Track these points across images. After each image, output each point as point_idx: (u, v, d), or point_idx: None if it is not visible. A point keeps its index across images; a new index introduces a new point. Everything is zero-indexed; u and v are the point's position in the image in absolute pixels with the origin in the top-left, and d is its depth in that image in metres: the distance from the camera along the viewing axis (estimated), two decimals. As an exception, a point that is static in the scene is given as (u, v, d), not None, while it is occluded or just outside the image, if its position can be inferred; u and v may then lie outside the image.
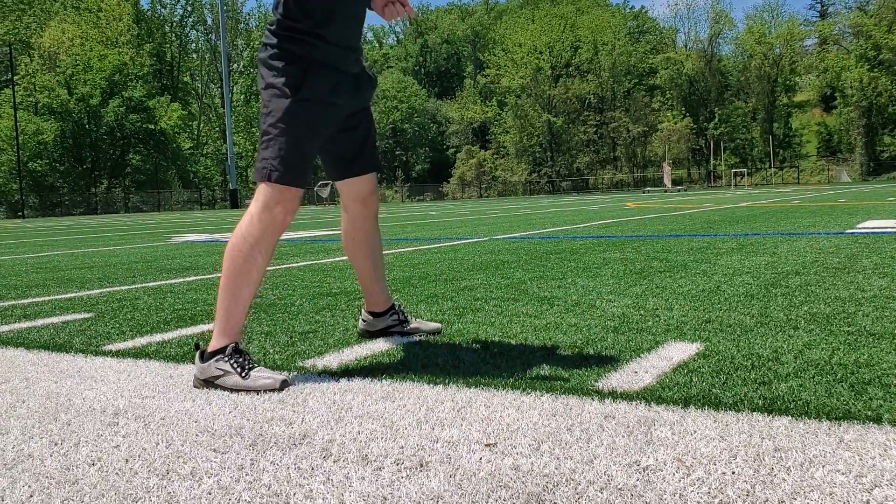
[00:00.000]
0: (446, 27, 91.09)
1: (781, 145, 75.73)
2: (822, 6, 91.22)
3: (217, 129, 74.03)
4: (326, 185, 59.82)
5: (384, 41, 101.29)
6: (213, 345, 2.30)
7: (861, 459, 1.48)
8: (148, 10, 74.15)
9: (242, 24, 77.06)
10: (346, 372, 2.32)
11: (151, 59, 70.02)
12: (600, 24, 77.87)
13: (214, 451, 1.70)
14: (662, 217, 12.50)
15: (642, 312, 3.20)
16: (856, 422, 1.70)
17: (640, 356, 2.41)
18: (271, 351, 2.68)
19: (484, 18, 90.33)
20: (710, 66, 78.66)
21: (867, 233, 7.10)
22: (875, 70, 69.85)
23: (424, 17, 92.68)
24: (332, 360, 2.49)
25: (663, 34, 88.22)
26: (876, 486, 1.36)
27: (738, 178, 68.27)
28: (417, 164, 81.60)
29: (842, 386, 1.98)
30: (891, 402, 1.83)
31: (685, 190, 53.98)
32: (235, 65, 75.86)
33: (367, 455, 1.62)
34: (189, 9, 76.04)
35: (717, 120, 76.69)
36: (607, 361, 2.35)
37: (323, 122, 2.40)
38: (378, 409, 1.94)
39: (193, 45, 78.63)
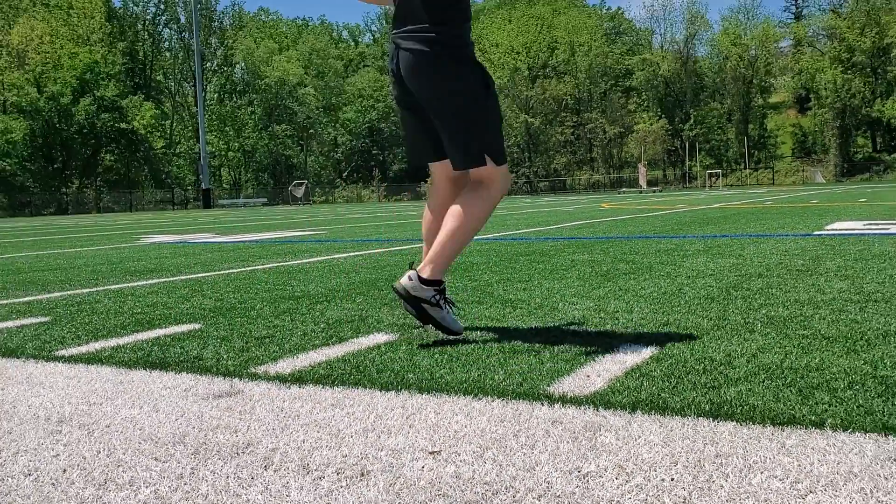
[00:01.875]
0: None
1: (756, 146, 76.48)
2: (797, 8, 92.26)
3: (190, 128, 73.41)
4: (301, 184, 59.61)
5: (360, 40, 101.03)
6: (432, 275, 2.72)
7: (799, 465, 1.49)
8: (120, 7, 73.38)
9: (216, 23, 76.47)
10: (299, 378, 2.30)
11: (124, 57, 69.31)
12: (577, 25, 78.22)
13: (156, 459, 1.67)
14: (635, 218, 12.57)
15: (602, 315, 3.21)
16: (799, 427, 1.71)
17: (595, 360, 2.41)
18: (225, 356, 2.65)
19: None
20: (686, 68, 79.26)
21: (834, 235, 7.18)
22: (849, 72, 70.75)
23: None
24: (285, 366, 2.47)
25: (639, 35, 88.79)
26: (810, 491, 1.37)
27: (713, 179, 68.83)
28: (395, 163, 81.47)
29: (790, 390, 1.99)
30: (836, 406, 1.84)
31: (660, 191, 54.35)
32: (209, 63, 75.30)
33: (308, 464, 1.60)
34: (162, 7, 75.35)
35: (692, 121, 77.27)
36: (562, 365, 2.35)
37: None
38: (326, 416, 1.92)
39: (166, 43, 77.94)
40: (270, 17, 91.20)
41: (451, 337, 2.78)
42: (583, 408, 1.90)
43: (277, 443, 1.74)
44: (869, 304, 3.25)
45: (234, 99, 77.31)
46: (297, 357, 2.59)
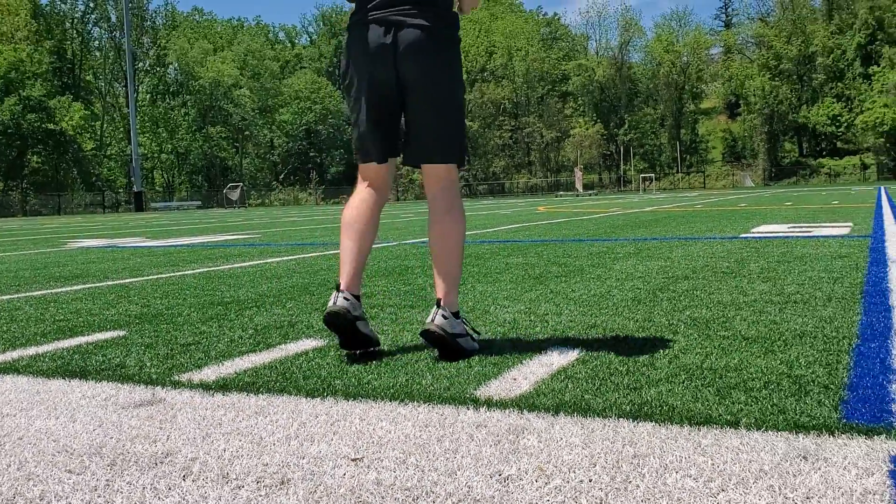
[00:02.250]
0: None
1: (688, 151, 78.32)
2: (727, 16, 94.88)
3: (121, 129, 71.62)
4: (236, 187, 58.74)
5: (296, 41, 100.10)
6: (455, 305, 2.64)
7: (713, 464, 1.53)
8: (47, 5, 71.19)
9: (148, 22, 74.84)
10: (223, 386, 2.26)
11: (51, 56, 67.28)
12: (514, 30, 78.99)
13: (69, 471, 1.63)
14: (570, 221, 12.74)
15: (532, 318, 3.24)
16: (715, 426, 1.75)
17: (522, 362, 2.43)
18: (148, 364, 2.59)
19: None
20: (621, 74, 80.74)
21: (759, 238, 7.40)
22: (776, 79, 73.07)
23: (339, 18, 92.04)
24: (210, 373, 2.43)
25: (575, 41, 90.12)
26: (722, 490, 1.40)
27: (647, 183, 70.25)
28: (332, 166, 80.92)
29: (708, 391, 2.04)
30: (751, 406, 1.90)
31: (596, 194, 55.21)
32: (141, 63, 73.62)
33: (228, 473, 1.57)
34: (91, 5, 73.37)
35: (626, 126, 78.74)
36: (489, 369, 2.36)
37: None
38: (249, 424, 1.89)
39: (96, 42, 75.92)
40: (205, 17, 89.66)
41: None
42: (507, 411, 1.92)
43: (197, 452, 1.71)
44: (788, 305, 3.35)
45: (167, 100, 75.79)
46: (223, 364, 2.55)
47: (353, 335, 2.55)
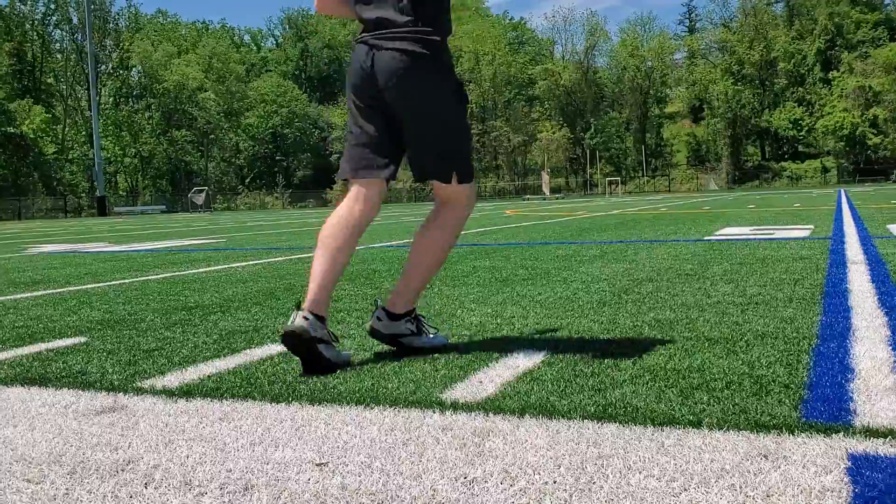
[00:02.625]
0: (327, 32, 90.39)
1: (653, 154, 79.16)
2: (691, 22, 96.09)
3: (84, 133, 70.52)
4: (201, 191, 58.13)
5: (262, 44, 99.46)
6: (400, 308, 2.71)
7: (676, 464, 1.54)
8: (6, 6, 69.94)
9: (111, 25, 73.84)
10: (187, 392, 2.24)
11: (10, 58, 66.09)
12: (481, 34, 79.24)
13: (27, 481, 1.60)
14: (536, 225, 12.81)
15: (499, 321, 3.25)
16: (678, 427, 1.77)
17: (488, 365, 2.44)
18: (110, 371, 2.55)
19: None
20: (587, 78, 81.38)
21: (723, 240, 7.50)
22: (739, 84, 74.17)
23: (305, 22, 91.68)
24: (173, 379, 2.40)
25: (541, 45, 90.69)
26: (685, 489, 1.42)
27: (613, 187, 70.86)
28: (299, 169, 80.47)
29: (672, 391, 2.06)
30: (713, 405, 1.92)
31: (563, 198, 55.56)
32: (104, 66, 72.61)
33: (191, 480, 1.56)
34: (52, 6, 72.22)
35: (592, 130, 79.37)
36: (456, 372, 2.36)
37: None
38: (212, 431, 1.88)
39: (58, 44, 74.70)
40: (169, 19, 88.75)
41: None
42: (473, 414, 1.92)
43: (160, 459, 1.69)
44: (750, 306, 3.40)
45: (131, 103, 74.83)
46: (186, 370, 2.52)
47: (314, 359, 2.42)
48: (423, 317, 2.80)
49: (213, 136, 74.23)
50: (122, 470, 1.63)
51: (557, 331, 2.98)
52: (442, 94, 2.61)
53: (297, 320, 2.43)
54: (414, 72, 2.54)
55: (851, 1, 74.24)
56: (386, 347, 2.76)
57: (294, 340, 2.41)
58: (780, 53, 73.98)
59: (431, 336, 2.76)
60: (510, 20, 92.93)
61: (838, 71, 70.69)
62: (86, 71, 67.35)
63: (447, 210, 2.75)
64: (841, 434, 1.69)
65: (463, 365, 2.46)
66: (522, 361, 2.47)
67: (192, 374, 2.47)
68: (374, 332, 2.71)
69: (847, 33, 72.21)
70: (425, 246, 2.75)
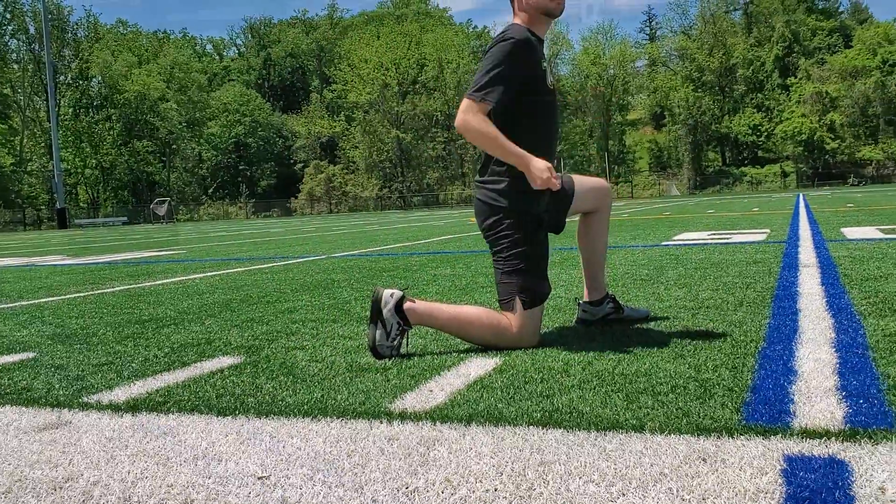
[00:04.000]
0: (290, 41, 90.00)
1: (616, 161, 79.91)
2: (651, 29, 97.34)
3: (43, 144, 69.32)
4: (163, 202, 57.45)
5: (225, 53, 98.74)
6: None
7: (616, 469, 1.56)
8: (-39, 16, 68.61)
9: (70, 34, 72.78)
10: (133, 406, 2.21)
11: (-35, 69, 64.88)
12: (445, 43, 79.44)
13: (-38, 502, 1.57)
14: (500, 232, 12.83)
15: (454, 329, 3.26)
16: (621, 431, 1.79)
17: (440, 374, 2.44)
18: (56, 386, 2.51)
19: (329, 33, 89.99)
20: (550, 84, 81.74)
21: (680, 245, 7.59)
22: (699, 90, 75.21)
23: (267, 31, 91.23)
24: (120, 394, 2.37)
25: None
26: (623, 494, 1.44)
27: (578, 193, 71.17)
28: (263, 179, 79.91)
29: (618, 396, 2.08)
30: (657, 409, 1.94)
31: (528, 204, 55.70)
32: (63, 77, 71.52)
33: (130, 496, 1.54)
34: (8, 16, 70.95)
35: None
36: (407, 381, 2.37)
37: None
38: (156, 445, 1.86)
39: (14, 55, 73.37)
40: (129, 29, 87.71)
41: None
42: (421, 423, 1.92)
43: (100, 475, 1.67)
44: (701, 310, 3.45)
45: (91, 114, 73.75)
46: (134, 384, 2.49)
47: None
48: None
49: (175, 146, 73.45)
50: (60, 488, 1.61)
51: (511, 338, 2.99)
52: (509, 238, 2.88)
53: None
54: (483, 217, 2.93)
55: (808, 9, 75.79)
56: (338, 357, 2.75)
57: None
58: (738, 60, 75.21)
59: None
60: (474, 29, 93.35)
61: (796, 77, 72.03)
62: (44, 81, 66.29)
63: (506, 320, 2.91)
64: (779, 436, 1.72)
65: (415, 374, 2.46)
66: (474, 369, 2.48)
67: (140, 388, 2.44)
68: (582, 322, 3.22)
69: (804, 40, 73.64)
70: (476, 310, 2.93)
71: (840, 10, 79.53)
